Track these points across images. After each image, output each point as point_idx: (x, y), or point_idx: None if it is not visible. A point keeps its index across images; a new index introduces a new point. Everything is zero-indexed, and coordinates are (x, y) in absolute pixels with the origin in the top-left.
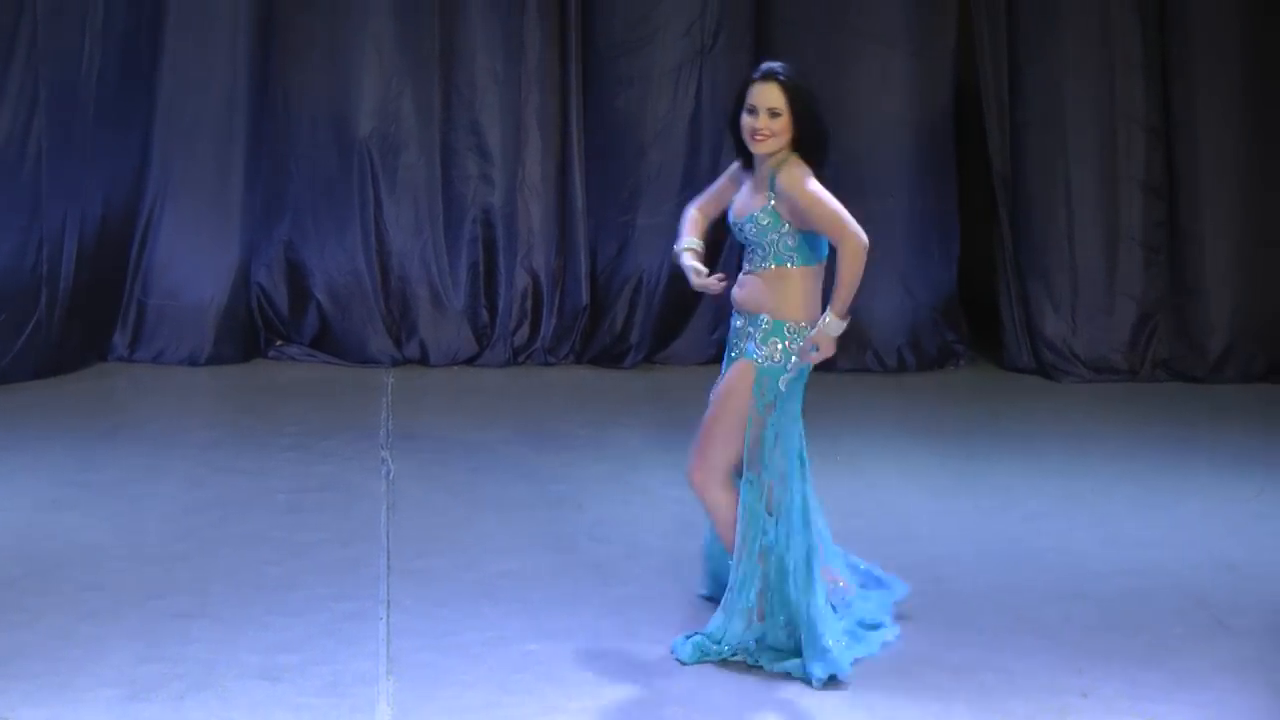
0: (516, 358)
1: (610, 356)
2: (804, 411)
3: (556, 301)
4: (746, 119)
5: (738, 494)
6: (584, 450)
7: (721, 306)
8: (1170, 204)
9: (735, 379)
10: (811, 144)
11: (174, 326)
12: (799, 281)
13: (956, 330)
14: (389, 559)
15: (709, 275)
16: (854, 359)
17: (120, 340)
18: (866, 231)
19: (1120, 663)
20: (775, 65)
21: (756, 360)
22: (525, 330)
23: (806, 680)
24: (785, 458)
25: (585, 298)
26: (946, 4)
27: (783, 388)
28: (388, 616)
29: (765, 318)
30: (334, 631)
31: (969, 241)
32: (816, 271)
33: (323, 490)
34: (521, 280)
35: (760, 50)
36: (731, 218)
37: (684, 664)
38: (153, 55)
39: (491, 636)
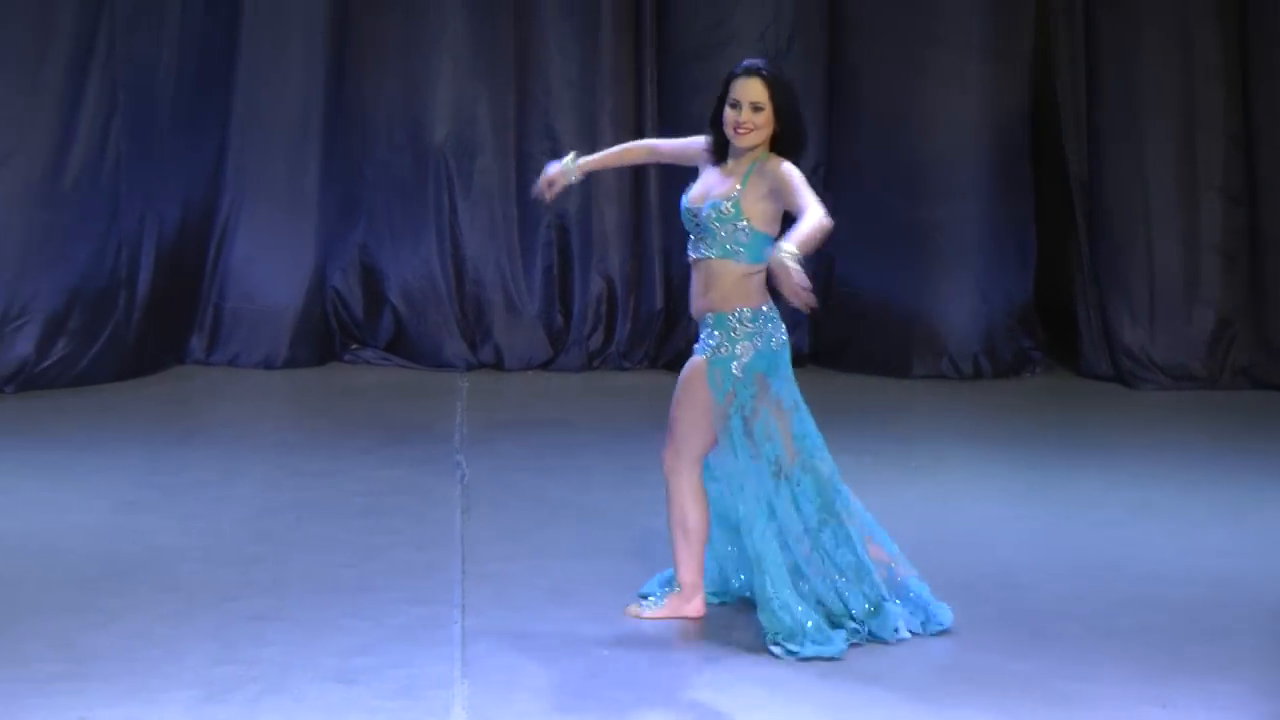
0: (591, 362)
1: (685, 361)
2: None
3: (631, 306)
4: (729, 112)
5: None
6: (658, 455)
7: (797, 314)
8: (1250, 211)
9: (688, 374)
10: (791, 140)
11: (250, 330)
12: (740, 278)
13: (1033, 337)
14: (464, 563)
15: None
16: (929, 365)
17: (197, 343)
18: (942, 237)
19: (1198, 673)
20: (758, 61)
21: (705, 354)
22: (600, 335)
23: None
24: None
25: (660, 302)
26: (1023, 9)
27: (737, 373)
28: (462, 620)
29: (710, 317)
30: (408, 635)
31: (1046, 248)
32: (758, 272)
33: (397, 494)
34: (596, 285)
35: (834, 56)
36: (687, 203)
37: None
38: (229, 60)
39: (566, 641)
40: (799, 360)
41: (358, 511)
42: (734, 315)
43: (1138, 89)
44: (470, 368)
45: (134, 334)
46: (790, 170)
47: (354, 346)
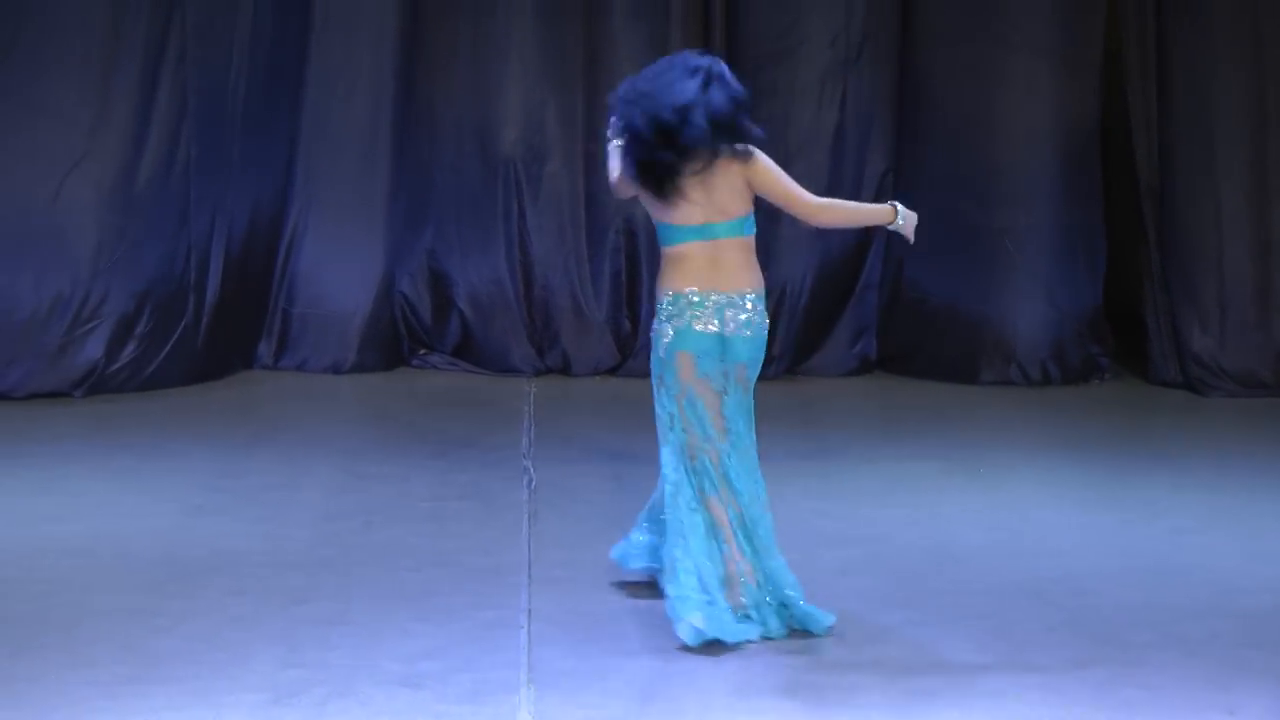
0: None
1: None
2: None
3: None
4: None
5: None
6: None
7: (865, 319)
8: None
9: None
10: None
11: (318, 335)
12: (663, 266)
13: (1101, 344)
14: (530, 568)
15: None
16: (997, 371)
17: (265, 348)
18: (1011, 242)
19: (1266, 681)
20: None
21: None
22: None
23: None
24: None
25: None
26: (1094, 15)
27: (662, 354)
28: (529, 625)
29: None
30: (475, 639)
31: (1115, 254)
32: (670, 252)
33: (464, 499)
34: None
35: (905, 61)
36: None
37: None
38: (299, 65)
39: (633, 647)
40: (865, 366)
41: (424, 516)
42: (660, 303)
43: (1209, 96)
44: (538, 373)
45: (203, 338)
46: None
47: (422, 351)
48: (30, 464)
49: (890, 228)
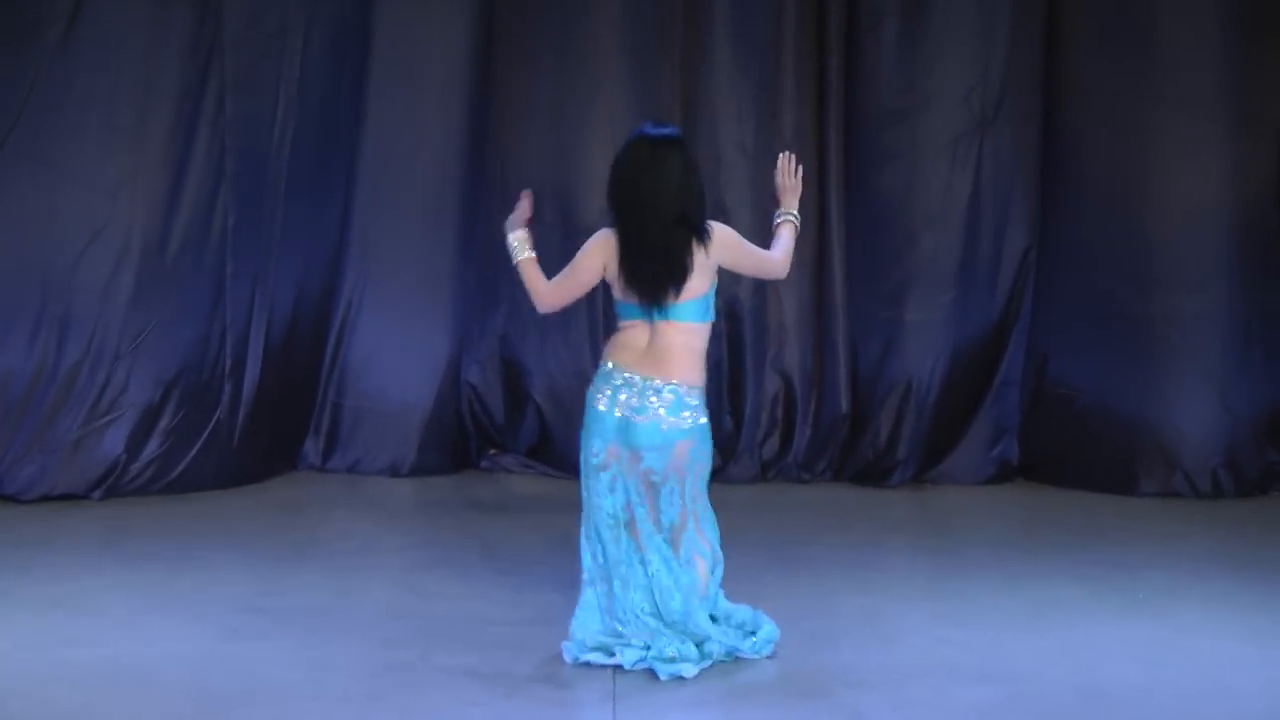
0: (765, 473)
1: (873, 473)
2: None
3: (812, 409)
4: None
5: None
6: (840, 582)
7: (1005, 419)
8: None
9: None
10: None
11: (373, 431)
12: (614, 334)
13: None
14: (615, 701)
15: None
16: (1160, 481)
17: (312, 447)
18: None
19: None
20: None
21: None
22: (775, 441)
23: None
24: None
25: (845, 405)
26: (1273, 67)
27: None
28: None
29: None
30: None
31: None
32: (621, 326)
33: (539, 623)
34: (771, 384)
35: (1050, 121)
36: None
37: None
38: (354, 121)
39: None
40: (1005, 473)
41: (495, 642)
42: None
43: None
44: None
45: (239, 434)
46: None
47: (492, 452)
48: (41, 577)
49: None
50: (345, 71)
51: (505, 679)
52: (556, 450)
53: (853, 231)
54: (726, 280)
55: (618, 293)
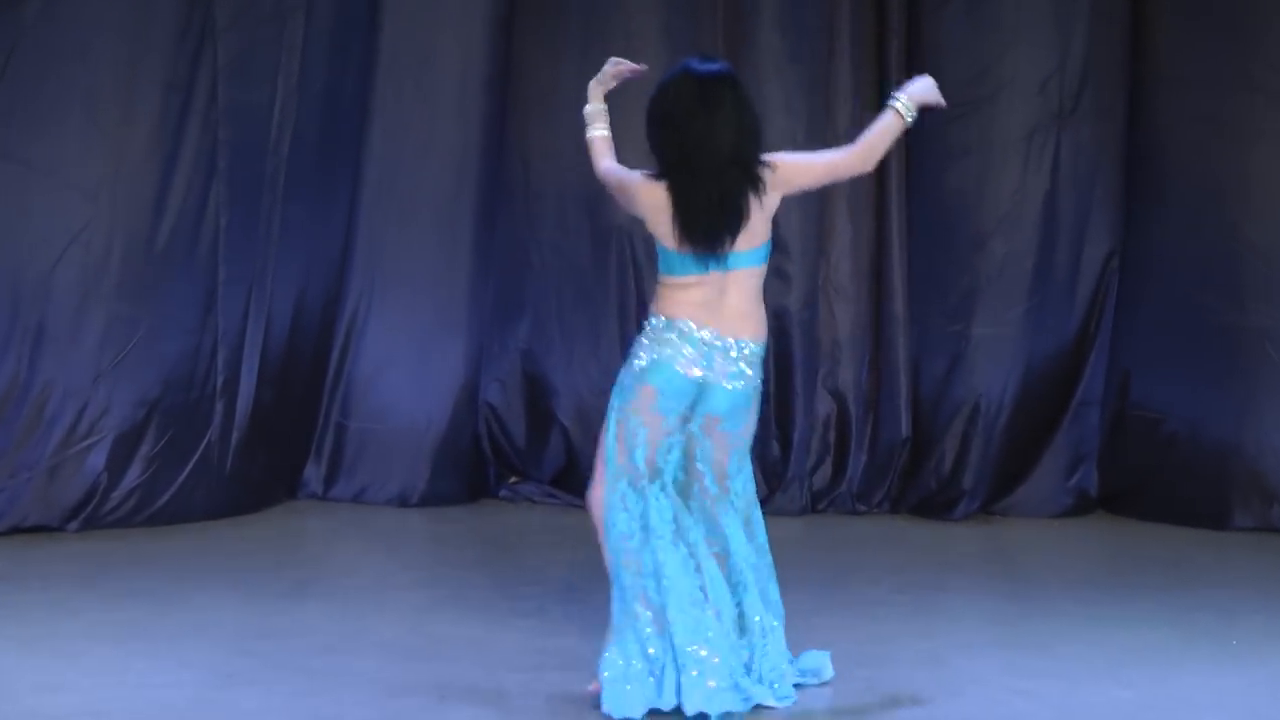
0: (816, 504)
1: (936, 505)
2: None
3: (868, 433)
4: None
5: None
6: (899, 624)
7: (1084, 445)
8: None
9: None
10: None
11: (381, 457)
12: (659, 290)
13: None
14: None
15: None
16: (1255, 514)
17: (313, 473)
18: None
19: None
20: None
21: None
22: (827, 469)
23: None
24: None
25: (905, 428)
26: None
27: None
28: None
29: None
30: None
31: None
32: (671, 283)
33: (566, 668)
34: (824, 405)
35: (1135, 113)
36: None
37: None
38: (360, 113)
39: None
40: (1084, 504)
41: (516, 690)
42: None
43: None
44: None
45: (232, 459)
46: None
47: (512, 480)
48: (14, 617)
49: (911, 121)
50: (350, 59)
51: None
52: (582, 477)
53: (915, 236)
54: (775, 289)
55: (670, 244)
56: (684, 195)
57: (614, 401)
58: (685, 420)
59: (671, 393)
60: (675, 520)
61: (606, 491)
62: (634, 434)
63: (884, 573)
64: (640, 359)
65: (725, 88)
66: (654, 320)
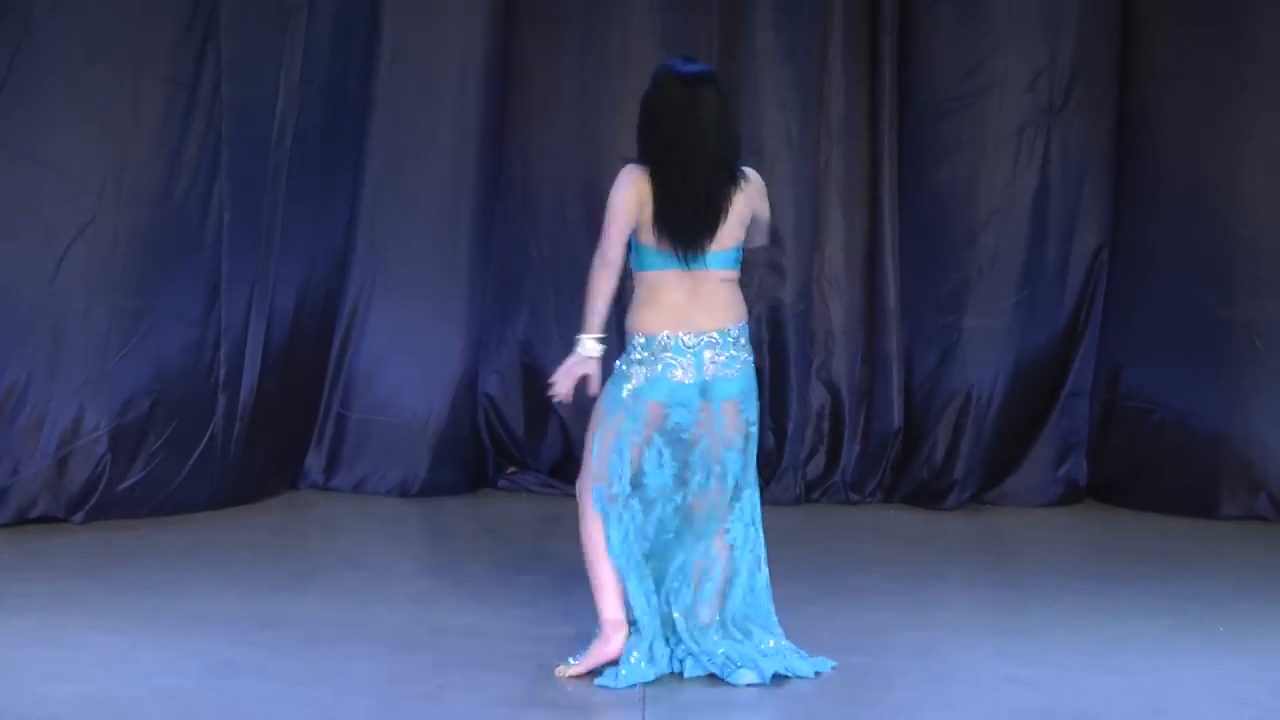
0: (809, 493)
1: (928, 494)
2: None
3: (861, 424)
4: None
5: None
6: (892, 613)
7: (1073, 435)
8: None
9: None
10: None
11: (381, 447)
12: (636, 289)
13: None
14: None
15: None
16: (1242, 503)
17: (315, 463)
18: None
19: None
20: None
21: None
22: (821, 459)
23: None
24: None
25: (897, 419)
26: None
27: (625, 397)
28: None
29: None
30: None
31: None
32: (646, 279)
33: (564, 656)
34: (817, 396)
35: (1125, 109)
36: None
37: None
38: (362, 109)
39: None
40: (1074, 494)
41: (513, 681)
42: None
43: None
44: None
45: (235, 450)
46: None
47: (511, 470)
48: (19, 607)
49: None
50: (352, 56)
51: None
52: (580, 468)
53: (907, 230)
54: (769, 281)
55: (647, 239)
56: (670, 193)
57: (606, 404)
58: (701, 411)
59: (675, 403)
60: (649, 531)
61: (592, 499)
62: (619, 450)
63: (877, 562)
64: (630, 381)
65: (707, 88)
66: (634, 340)
